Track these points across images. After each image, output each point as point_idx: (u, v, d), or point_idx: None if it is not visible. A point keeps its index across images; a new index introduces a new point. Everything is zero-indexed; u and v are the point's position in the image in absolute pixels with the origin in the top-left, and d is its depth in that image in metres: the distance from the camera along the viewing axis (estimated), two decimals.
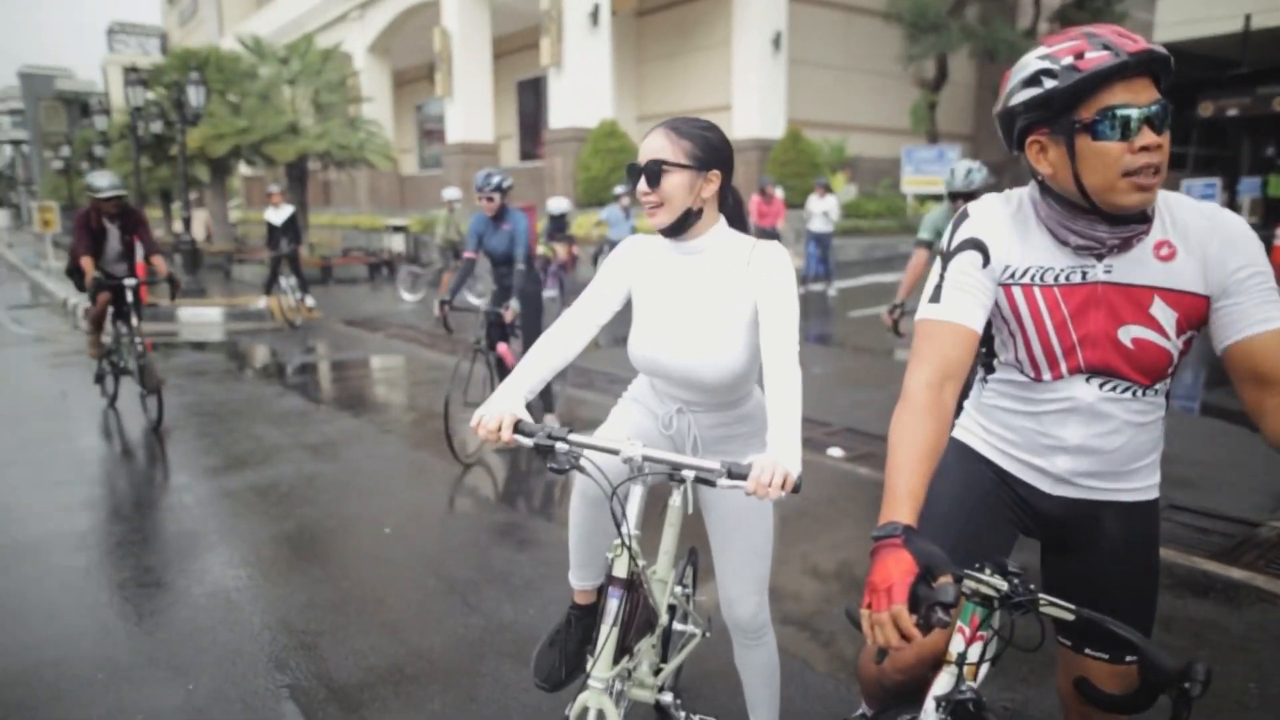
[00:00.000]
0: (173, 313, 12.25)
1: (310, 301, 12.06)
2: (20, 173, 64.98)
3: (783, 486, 1.64)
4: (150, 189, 23.11)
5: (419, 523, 4.44)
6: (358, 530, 4.33)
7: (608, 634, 1.87)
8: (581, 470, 1.84)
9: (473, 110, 20.89)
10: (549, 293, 12.05)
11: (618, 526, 1.88)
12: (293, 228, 12.07)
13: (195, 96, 12.99)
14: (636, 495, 1.95)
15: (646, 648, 2.20)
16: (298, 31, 25.49)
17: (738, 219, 2.10)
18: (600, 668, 1.86)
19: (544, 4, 17.56)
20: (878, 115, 23.10)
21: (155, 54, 60.57)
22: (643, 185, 1.94)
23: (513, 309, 5.20)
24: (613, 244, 12.47)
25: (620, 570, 1.90)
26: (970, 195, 4.43)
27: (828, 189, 14.17)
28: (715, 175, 1.95)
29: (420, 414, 6.80)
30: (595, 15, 17.72)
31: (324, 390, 7.99)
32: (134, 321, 6.19)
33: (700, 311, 2.00)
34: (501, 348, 5.62)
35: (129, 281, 6.13)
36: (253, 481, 5.05)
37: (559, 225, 12.08)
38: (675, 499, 2.07)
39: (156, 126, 16.40)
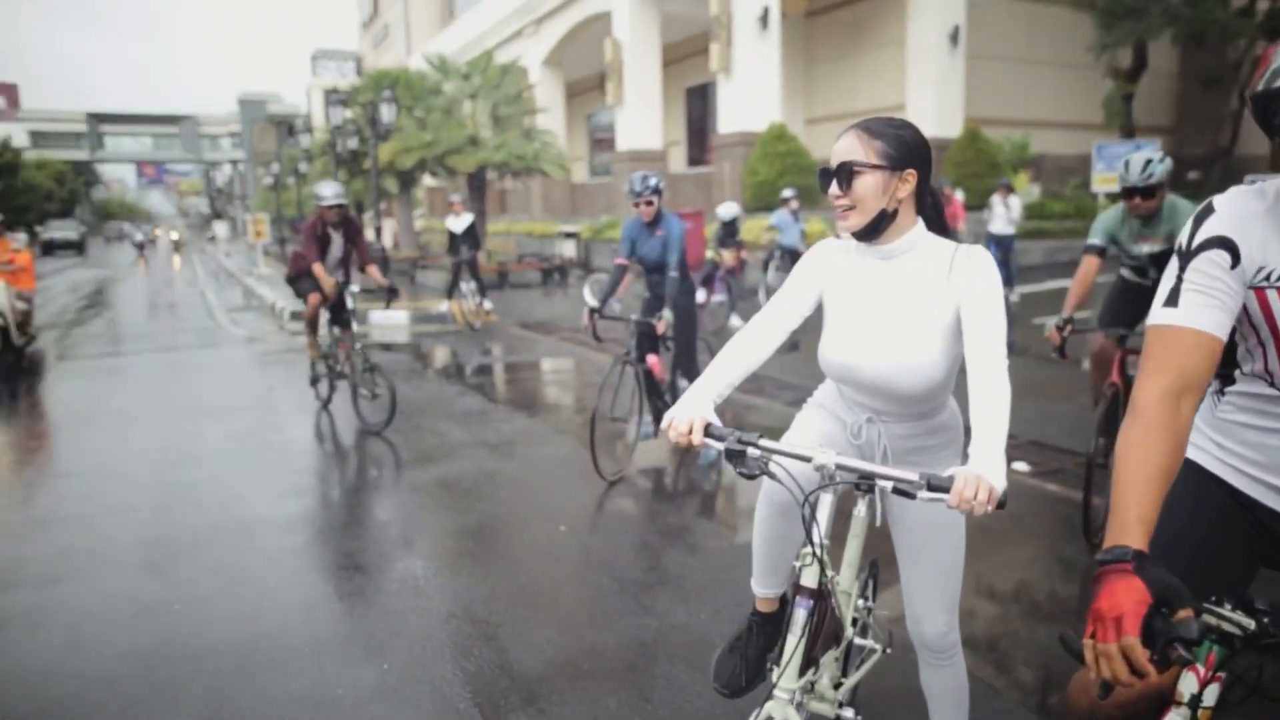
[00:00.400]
0: (365, 315, 13.14)
1: (488, 305, 12.62)
2: (237, 189, 71.72)
3: (987, 501, 1.56)
4: (348, 200, 24.97)
5: (592, 522, 4.54)
6: (534, 527, 4.47)
7: (795, 645, 1.83)
8: (771, 476, 1.81)
9: (642, 118, 21.24)
10: (717, 298, 12.06)
11: (808, 535, 1.85)
12: (472, 235, 12.68)
13: (387, 113, 13.88)
14: (827, 504, 1.90)
15: (830, 660, 2.14)
16: (478, 49, 26.79)
17: (937, 222, 2.02)
18: (787, 678, 1.83)
19: (713, 10, 17.64)
20: (1064, 110, 21.72)
21: (351, 76, 65.42)
22: (834, 188, 1.89)
23: (665, 320, 4.93)
24: (783, 249, 12.32)
25: (810, 580, 1.87)
26: (1148, 191, 4.04)
27: (1010, 189, 13.46)
28: (911, 175, 1.89)
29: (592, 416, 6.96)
30: (765, 19, 17.62)
31: (501, 391, 8.33)
32: (353, 327, 6.41)
33: (898, 318, 1.94)
34: (651, 360, 5.36)
35: (353, 289, 6.40)
36: (438, 476, 5.33)
37: (729, 230, 12.06)
38: (860, 510, 2.01)
39: (353, 143, 17.65)
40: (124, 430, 6.60)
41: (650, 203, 5.04)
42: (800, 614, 1.85)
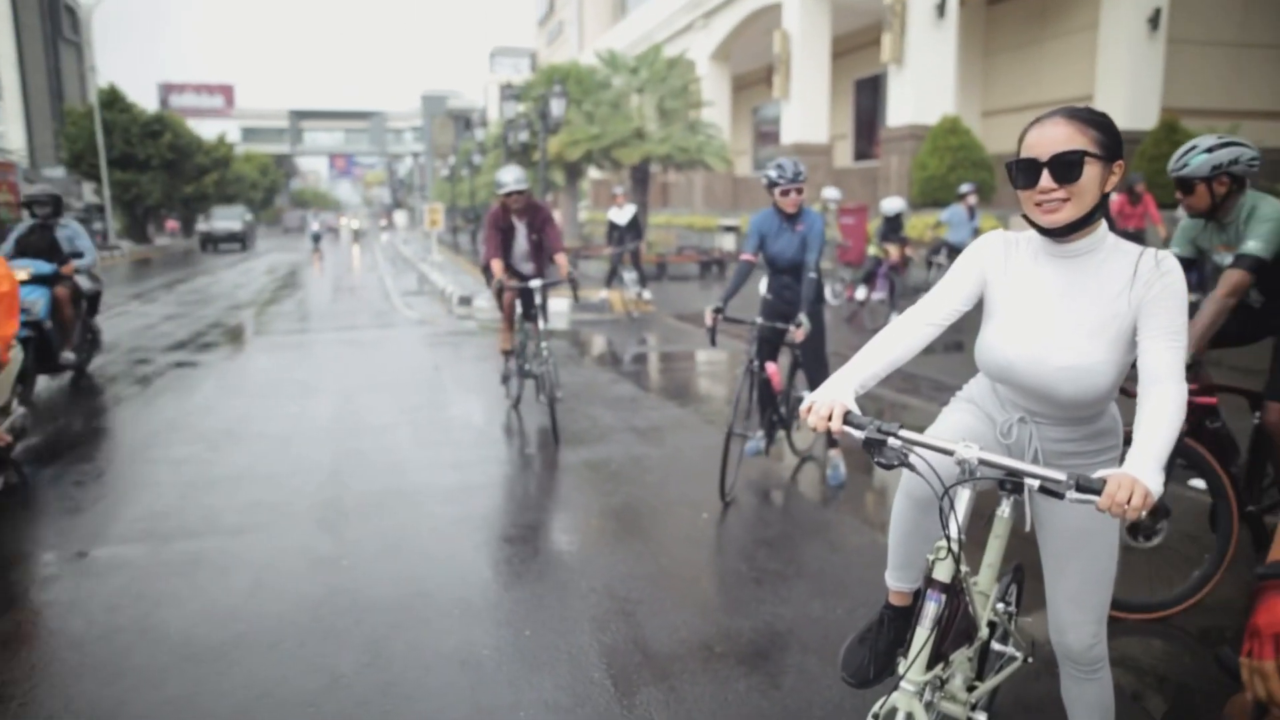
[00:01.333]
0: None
1: (647, 295, 12.83)
2: (416, 180, 76.00)
3: (1141, 506, 1.49)
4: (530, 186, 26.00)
5: (735, 511, 4.57)
6: (677, 512, 4.54)
7: (925, 638, 1.82)
8: (910, 468, 1.79)
9: (808, 111, 20.93)
10: (878, 295, 11.75)
11: (944, 529, 1.82)
12: (635, 226, 12.91)
13: (556, 107, 14.32)
14: (965, 499, 1.87)
15: (962, 660, 2.09)
16: (647, 43, 27.20)
17: (1105, 219, 1.93)
18: (915, 670, 1.82)
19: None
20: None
21: (526, 72, 67.95)
22: (1046, 180, 1.80)
23: (804, 327, 4.42)
24: (951, 246, 11.85)
25: (942, 574, 1.84)
26: (1186, 184, 3.31)
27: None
28: (1119, 167, 1.82)
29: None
30: (942, 6, 16.96)
31: (653, 379, 8.47)
32: (541, 324, 5.99)
33: (1071, 319, 1.87)
34: (770, 368, 4.91)
35: (534, 283, 5.94)
36: (587, 458, 5.49)
37: (893, 226, 11.71)
38: (1004, 509, 1.96)
39: (523, 135, 18.33)
40: (306, 400, 7.17)
41: (801, 190, 4.59)
42: (931, 607, 1.83)
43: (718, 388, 8.13)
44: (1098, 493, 1.55)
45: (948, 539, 1.82)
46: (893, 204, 11.70)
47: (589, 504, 4.70)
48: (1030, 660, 2.39)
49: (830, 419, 1.85)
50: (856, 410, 1.88)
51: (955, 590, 1.87)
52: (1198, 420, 3.35)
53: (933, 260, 12.48)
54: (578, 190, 23.68)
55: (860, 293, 11.80)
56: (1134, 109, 17.76)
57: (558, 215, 29.63)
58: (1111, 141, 1.78)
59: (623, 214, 13.02)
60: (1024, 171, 1.81)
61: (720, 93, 27.14)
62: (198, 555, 3.92)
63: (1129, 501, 1.51)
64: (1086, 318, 1.85)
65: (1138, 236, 12.12)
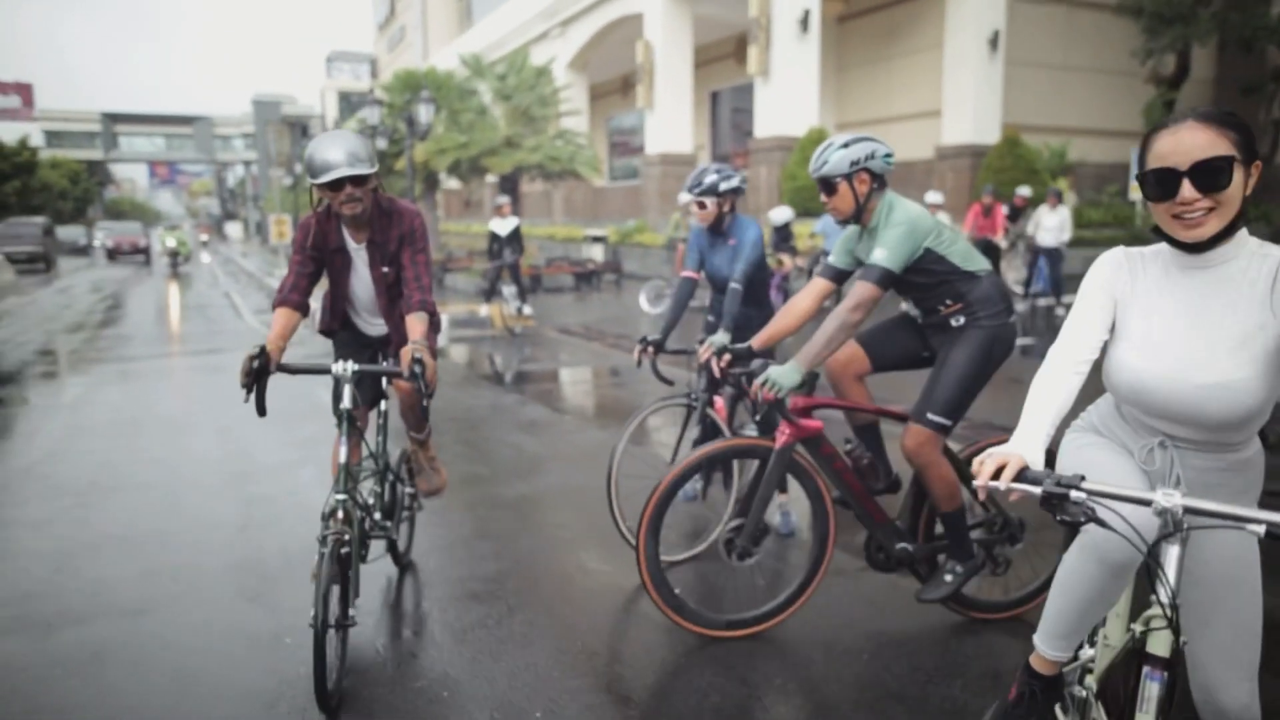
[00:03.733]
0: None
1: (528, 311, 12.33)
2: (249, 189, 71.66)
3: None
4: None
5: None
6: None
7: None
8: (1100, 523, 1.55)
9: (673, 121, 20.98)
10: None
11: (1154, 594, 1.59)
12: (516, 239, 12.40)
13: (425, 114, 13.63)
14: (1174, 556, 1.64)
15: None
16: (500, 51, 26.61)
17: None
18: None
19: (753, 12, 17.37)
20: (1102, 117, 21.39)
21: (366, 78, 65.44)
22: (1189, 190, 1.62)
23: (712, 344, 3.58)
24: (828, 255, 12.00)
25: (1160, 648, 1.61)
26: (827, 185, 3.06)
27: (1059, 198, 13.13)
28: (1257, 168, 1.65)
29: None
30: (805, 21, 17.36)
31: (564, 399, 8.03)
32: (408, 434, 3.74)
33: (1211, 333, 1.70)
34: (718, 403, 4.11)
35: (383, 365, 3.34)
36: (526, 493, 5.02)
37: (783, 235, 11.75)
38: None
39: (381, 143, 17.40)
40: (180, 439, 6.31)
41: (702, 205, 4.02)
42: (1154, 687, 1.60)
43: (625, 405, 7.79)
44: None
45: (1162, 606, 1.59)
46: (781, 214, 11.75)
47: (550, 548, 4.25)
48: None
49: (998, 476, 1.59)
50: (1038, 465, 1.63)
51: (1174, 664, 1.63)
52: (813, 442, 3.16)
53: (813, 271, 12.64)
54: (435, 201, 22.82)
55: None
56: (978, 124, 18.81)
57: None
58: (1250, 141, 1.63)
59: (505, 225, 12.49)
60: (1160, 183, 1.65)
61: (579, 102, 26.89)
62: (96, 646, 3.20)
63: None
64: (1228, 332, 1.69)
65: (991, 246, 12.73)
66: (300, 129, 61.79)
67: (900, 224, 3.01)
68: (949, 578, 3.20)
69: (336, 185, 3.00)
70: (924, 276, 3.09)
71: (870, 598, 3.61)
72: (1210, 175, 1.60)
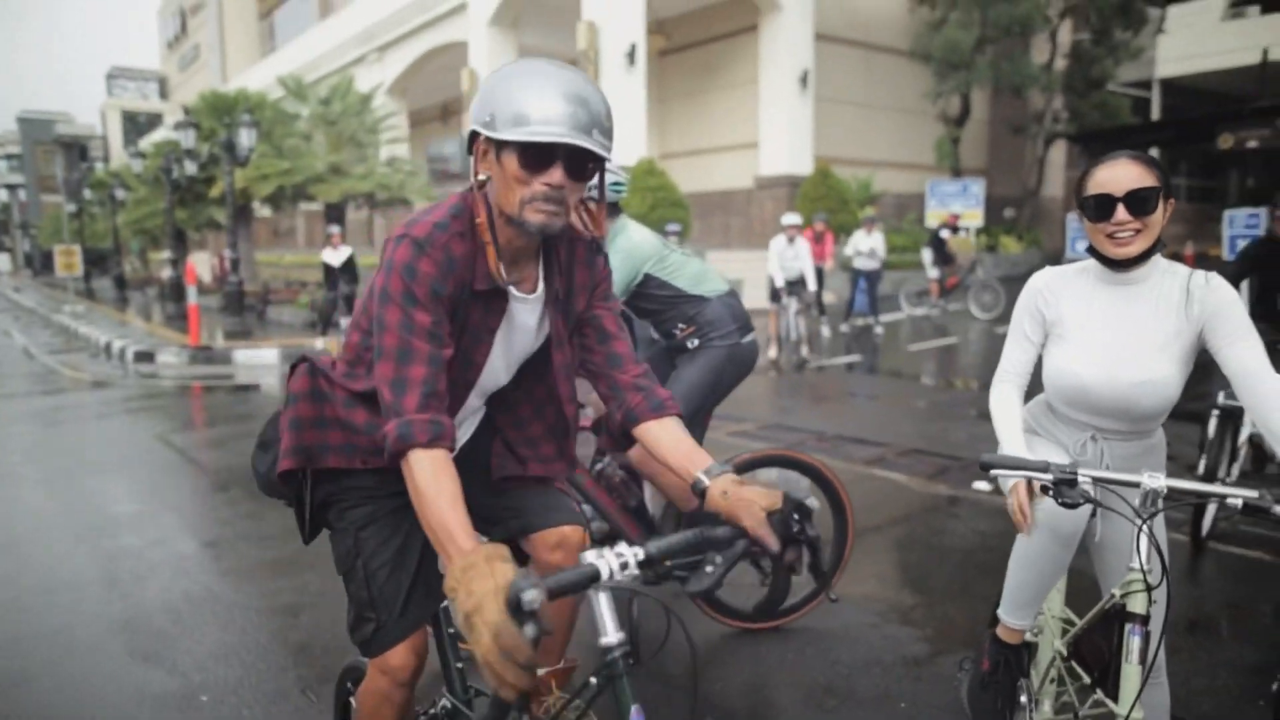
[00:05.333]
0: (228, 355, 12.08)
1: None
2: (15, 216, 64.70)
3: None
4: (160, 231, 23.04)
5: None
6: None
7: (1139, 674, 1.82)
8: (1098, 504, 1.84)
9: None
10: None
11: (1138, 560, 1.83)
12: (351, 269, 12.00)
13: (247, 138, 12.94)
14: (1160, 529, 1.94)
15: None
16: (312, 76, 25.64)
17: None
18: (1134, 709, 1.81)
19: (581, 44, 17.71)
20: (901, 151, 23.35)
21: (155, 98, 60.91)
22: (1121, 214, 1.93)
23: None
24: None
25: (1139, 607, 1.85)
26: None
27: (873, 224, 14.18)
28: (1172, 204, 1.98)
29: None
30: (632, 54, 17.88)
31: None
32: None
33: (1140, 338, 2.01)
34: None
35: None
36: None
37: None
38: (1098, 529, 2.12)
39: (191, 168, 16.31)
40: (5, 491, 5.67)
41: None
42: (1136, 640, 1.84)
43: None
44: None
45: (1141, 572, 1.84)
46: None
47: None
48: None
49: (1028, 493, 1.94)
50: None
51: (1148, 620, 1.89)
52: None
53: None
54: (252, 231, 21.60)
55: None
56: (793, 156, 20.04)
57: (208, 257, 26.29)
58: (1167, 182, 1.95)
59: (338, 255, 12.06)
60: (1099, 206, 1.94)
61: (399, 130, 26.32)
62: None
63: None
64: (1151, 337, 1.99)
65: (819, 270, 13.60)
66: (79, 150, 56.63)
67: (617, 251, 3.06)
68: (710, 568, 3.15)
69: (546, 159, 1.52)
70: (650, 302, 3.20)
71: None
72: (1140, 202, 1.90)
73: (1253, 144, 20.30)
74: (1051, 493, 1.77)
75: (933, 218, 21.23)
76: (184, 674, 3.18)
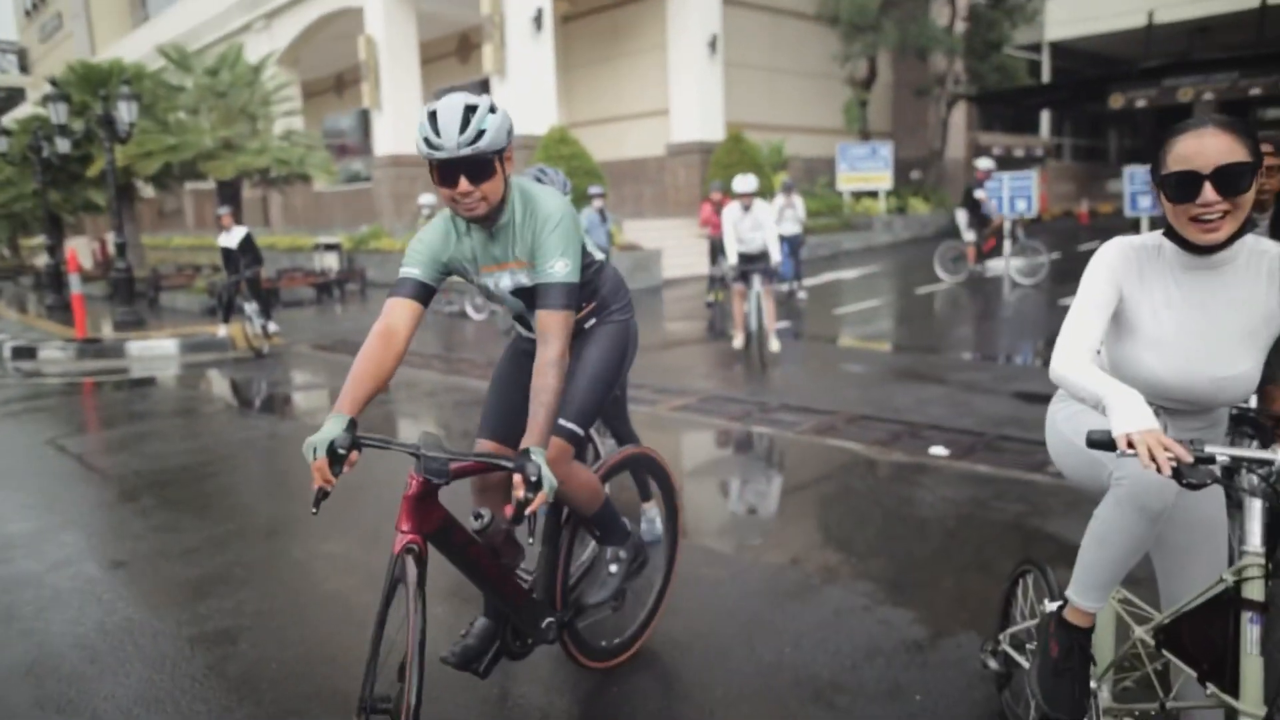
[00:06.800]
0: (121, 347, 11.19)
1: (274, 327, 11.21)
2: None
3: None
4: (30, 215, 21.38)
5: None
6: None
7: (1259, 666, 1.65)
8: (1228, 485, 1.70)
9: (402, 121, 20.05)
10: None
11: (1244, 543, 1.68)
12: (251, 249, 11.22)
13: (128, 111, 11.93)
14: (1258, 510, 1.72)
15: None
16: (195, 44, 24.08)
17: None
18: (1254, 704, 1.64)
19: (485, 9, 16.99)
20: (810, 115, 23.38)
21: (15, 71, 56.51)
22: (1209, 194, 1.67)
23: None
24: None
25: (1256, 593, 1.68)
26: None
27: (791, 189, 14.11)
28: (1261, 174, 1.74)
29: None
30: (539, 19, 17.27)
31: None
32: None
33: (1222, 331, 1.81)
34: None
35: None
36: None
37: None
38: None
39: (64, 146, 15.01)
40: None
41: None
42: (1255, 630, 1.66)
43: (402, 425, 7.30)
44: None
45: (1258, 556, 1.67)
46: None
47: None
48: None
49: (1172, 455, 1.57)
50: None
51: (1269, 608, 1.72)
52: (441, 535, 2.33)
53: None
54: (135, 212, 20.19)
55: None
56: (704, 122, 19.80)
57: (86, 241, 24.59)
58: (1256, 150, 1.71)
59: (232, 237, 11.23)
60: (1181, 184, 1.70)
61: (293, 102, 24.98)
62: None
63: None
64: (1235, 327, 1.80)
65: (717, 242, 13.42)
66: None
67: (557, 218, 2.30)
68: (614, 568, 2.78)
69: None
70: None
71: (757, 591, 3.57)
72: (1231, 179, 1.65)
73: (1141, 103, 21.12)
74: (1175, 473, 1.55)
75: (845, 181, 21.38)
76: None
